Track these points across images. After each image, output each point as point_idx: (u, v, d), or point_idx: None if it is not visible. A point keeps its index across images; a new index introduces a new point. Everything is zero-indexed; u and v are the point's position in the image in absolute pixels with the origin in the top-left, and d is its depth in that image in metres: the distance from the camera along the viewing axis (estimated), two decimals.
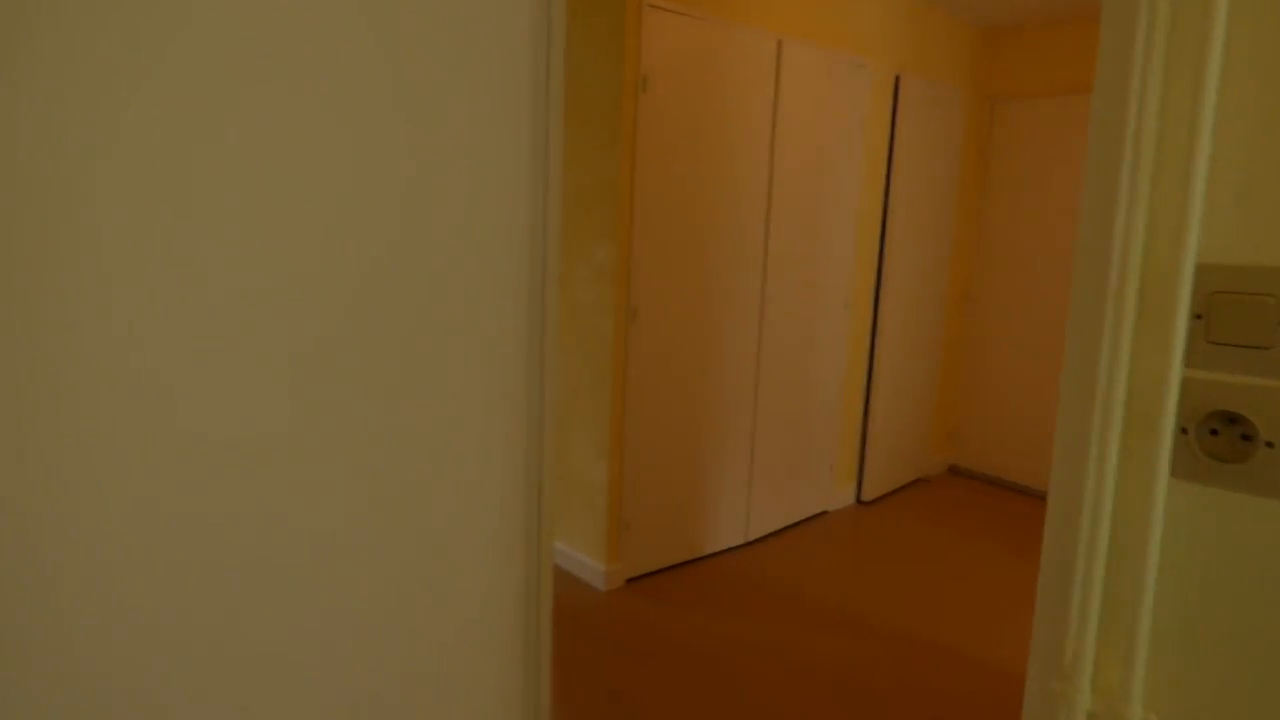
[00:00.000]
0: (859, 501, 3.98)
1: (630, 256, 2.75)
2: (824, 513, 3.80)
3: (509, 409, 1.24)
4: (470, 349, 1.18)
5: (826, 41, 3.34)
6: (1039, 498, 4.13)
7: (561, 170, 1.39)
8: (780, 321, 3.34)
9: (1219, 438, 0.79)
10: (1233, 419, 0.78)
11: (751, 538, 3.41)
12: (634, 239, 2.74)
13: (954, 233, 4.24)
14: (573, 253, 2.90)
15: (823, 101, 3.33)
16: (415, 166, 1.09)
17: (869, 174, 3.67)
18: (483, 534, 1.25)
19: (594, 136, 2.76)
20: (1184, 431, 0.81)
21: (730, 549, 3.34)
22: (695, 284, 2.96)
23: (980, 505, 4.01)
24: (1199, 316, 0.80)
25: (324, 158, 0.96)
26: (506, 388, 1.24)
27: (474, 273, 1.20)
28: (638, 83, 2.67)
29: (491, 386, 1.21)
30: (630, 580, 3.00)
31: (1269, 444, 0.76)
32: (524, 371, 1.27)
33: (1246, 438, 0.78)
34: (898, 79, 3.71)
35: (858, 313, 3.77)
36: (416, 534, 1.15)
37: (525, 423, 1.28)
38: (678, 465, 3.04)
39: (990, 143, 4.27)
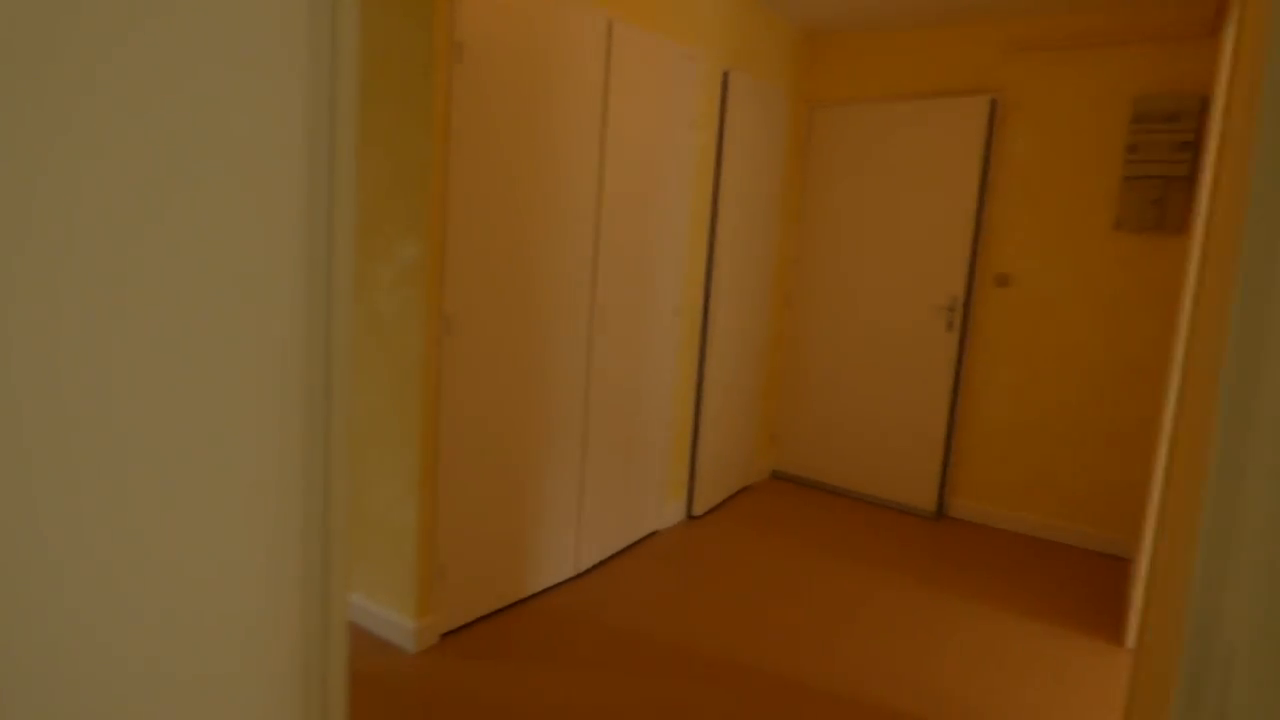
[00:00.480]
0: (690, 517, 3.80)
1: (443, 255, 2.32)
2: (655, 533, 3.58)
3: (281, 434, 1.05)
4: (227, 363, 0.97)
5: (658, 27, 3.09)
6: (853, 499, 4.19)
7: (353, 151, 1.03)
8: (612, 331, 3.05)
9: None
10: None
11: (582, 568, 3.09)
12: (448, 234, 2.31)
13: (777, 236, 4.19)
14: (374, 251, 2.42)
15: (654, 92, 3.08)
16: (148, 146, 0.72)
17: (699, 173, 3.48)
18: (243, 584, 1.01)
19: (399, 113, 2.30)
20: None
21: (560, 584, 3.00)
22: (520, 289, 2.59)
23: (803, 511, 3.98)
24: None
25: None
26: (279, 410, 1.05)
27: (230, 271, 0.95)
28: (451, 50, 2.25)
29: (261, 409, 1.02)
30: (446, 635, 2.57)
31: None
32: (303, 391, 1.08)
33: None
34: (726, 75, 3.56)
35: (688, 319, 3.58)
36: (145, 581, 0.89)
37: (303, 451, 1.09)
38: (501, 497, 2.65)
39: (810, 147, 4.27)
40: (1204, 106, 3.24)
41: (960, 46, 3.83)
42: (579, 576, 3.07)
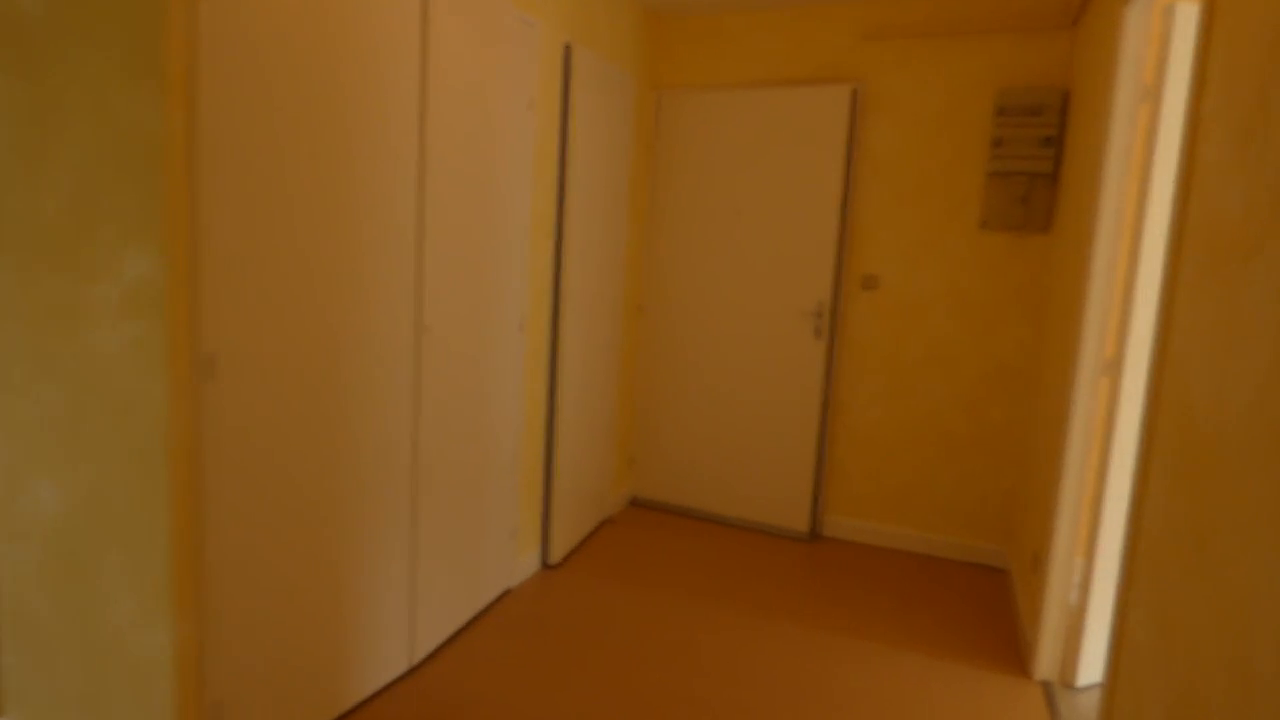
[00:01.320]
0: (546, 566, 3.24)
1: (194, 270, 1.61)
2: (508, 591, 2.99)
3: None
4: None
5: None
6: (721, 524, 3.82)
7: None
8: (444, 354, 2.43)
9: None
10: None
11: (419, 658, 2.45)
12: (201, 241, 1.60)
13: (627, 237, 3.72)
14: (85, 265, 1.65)
15: (486, 63, 2.48)
16: None
17: (541, 163, 2.92)
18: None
19: (110, 56, 1.56)
20: None
21: (392, 683, 2.35)
22: (317, 310, 1.91)
23: (668, 545, 3.55)
24: None
25: None
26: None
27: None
28: None
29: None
30: None
31: None
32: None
33: None
34: (569, 49, 3.02)
35: (535, 333, 3.02)
36: None
37: None
38: (302, 588, 1.97)
39: (659, 137, 3.83)
40: (1066, 100, 3.14)
41: (819, 32, 3.54)
42: (416, 669, 2.43)
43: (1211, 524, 1.20)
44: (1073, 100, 3.07)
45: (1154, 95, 2.20)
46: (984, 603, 3.10)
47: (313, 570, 1.99)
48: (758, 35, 3.64)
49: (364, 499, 2.14)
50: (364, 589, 2.18)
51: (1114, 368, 2.30)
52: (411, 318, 2.25)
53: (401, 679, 2.37)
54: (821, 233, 3.52)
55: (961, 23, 3.29)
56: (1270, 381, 1.05)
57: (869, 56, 3.47)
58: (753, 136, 3.62)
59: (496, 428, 2.78)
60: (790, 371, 3.63)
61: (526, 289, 2.88)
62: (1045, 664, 2.48)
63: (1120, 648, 1.58)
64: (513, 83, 2.65)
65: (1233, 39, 1.33)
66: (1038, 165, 3.19)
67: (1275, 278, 1.07)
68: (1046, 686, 2.45)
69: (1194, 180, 1.45)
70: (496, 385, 2.74)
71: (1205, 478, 1.24)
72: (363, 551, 2.16)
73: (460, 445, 2.56)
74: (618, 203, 3.54)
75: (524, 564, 3.08)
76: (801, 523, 3.66)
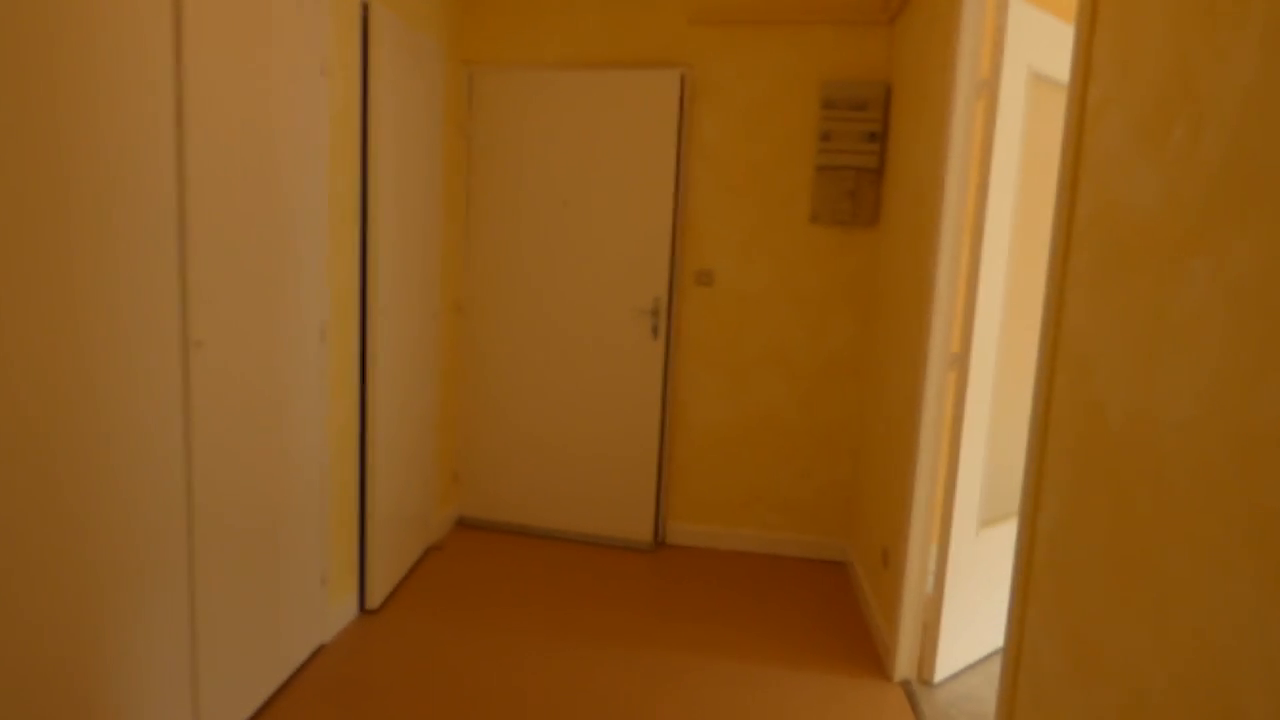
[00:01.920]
0: (364, 611, 2.79)
1: None
2: (320, 649, 2.52)
3: None
4: None
5: None
6: (559, 540, 3.55)
7: None
8: (222, 379, 1.94)
9: None
10: None
11: None
12: None
13: (442, 229, 3.32)
14: None
15: (261, 17, 2.01)
16: None
17: (340, 142, 2.47)
18: None
19: None
20: None
21: None
22: (33, 329, 1.39)
23: (503, 571, 3.23)
24: None
25: None
26: None
27: None
28: None
29: None
30: None
31: None
32: None
33: None
34: (366, 7, 2.58)
35: (340, 341, 2.56)
36: None
37: None
38: (36, 690, 1.44)
39: (472, 119, 3.46)
40: (888, 95, 3.18)
41: (645, 13, 3.34)
42: None
43: (1147, 542, 1.11)
44: (895, 95, 3.11)
45: (990, 88, 2.20)
46: (831, 600, 3.08)
47: (52, 676, 1.47)
48: (581, 12, 3.37)
49: (122, 565, 1.63)
50: (126, 685, 1.67)
51: (960, 362, 2.30)
52: (176, 332, 1.75)
53: None
54: (655, 226, 3.33)
55: (786, 11, 3.23)
56: (1219, 389, 0.96)
57: (697, 41, 3.32)
58: (579, 121, 3.35)
59: (297, 456, 2.30)
60: (628, 373, 3.42)
61: (327, 289, 2.42)
62: (904, 663, 2.46)
63: (1018, 668, 1.51)
64: (299, 42, 2.18)
65: (1126, 28, 1.26)
66: (864, 160, 3.20)
67: (1222, 280, 0.97)
68: (906, 686, 2.43)
69: (1082, 173, 1.38)
70: (295, 406, 2.27)
71: (1133, 489, 1.15)
72: (125, 630, 1.65)
73: (250, 482, 2.08)
74: (430, 189, 3.13)
75: (338, 613, 2.62)
76: (645, 532, 3.47)
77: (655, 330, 3.38)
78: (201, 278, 1.82)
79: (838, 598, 3.10)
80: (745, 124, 3.32)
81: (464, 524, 3.66)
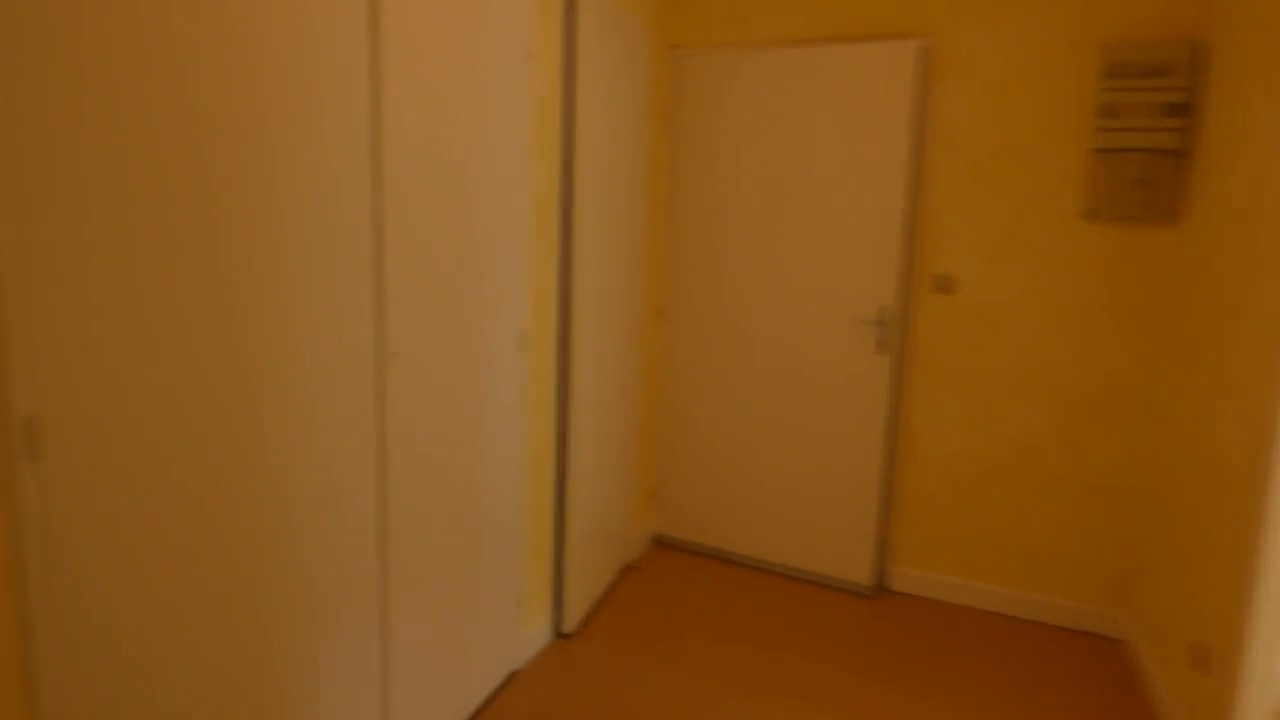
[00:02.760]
0: (559, 635, 2.64)
1: (3, 290, 1.00)
2: (513, 675, 2.39)
3: None
4: None
5: None
6: (765, 572, 3.21)
7: None
8: (418, 391, 1.82)
9: None
10: None
11: None
12: (1, 245, 1.00)
13: (645, 227, 3.11)
14: None
15: (463, 3, 1.87)
16: None
17: (542, 133, 2.31)
18: None
19: None
20: None
21: None
22: (202, 342, 1.31)
23: (704, 601, 2.95)
24: None
25: None
26: None
27: None
28: None
29: None
30: None
31: None
32: None
33: None
34: None
35: (540, 350, 2.41)
36: None
37: None
38: (227, 708, 1.37)
39: (680, 107, 3.22)
40: (1201, 56, 2.52)
41: None
42: None
43: None
44: (1217, 56, 2.45)
45: None
46: (1104, 692, 2.49)
47: (240, 688, 1.39)
48: None
49: (301, 590, 1.54)
50: (316, 700, 1.58)
51: None
52: (371, 342, 1.65)
53: None
54: (883, 224, 2.90)
55: None
56: None
57: (939, 5, 2.84)
58: (793, 106, 3.00)
59: (493, 469, 2.17)
60: (846, 391, 3.02)
61: (526, 296, 2.27)
62: None
63: None
64: (501, 23, 2.03)
65: None
66: (1160, 140, 2.56)
67: None
68: None
69: None
70: (491, 417, 2.14)
71: None
72: (318, 653, 1.56)
73: (445, 497, 1.96)
74: (634, 184, 2.93)
75: (533, 636, 2.48)
76: (862, 574, 3.05)
77: (881, 344, 2.95)
78: (398, 285, 1.70)
79: (1114, 690, 2.49)
80: (998, 102, 2.80)
81: (661, 543, 3.44)
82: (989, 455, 2.93)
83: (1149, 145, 2.58)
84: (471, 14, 1.88)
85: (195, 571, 1.30)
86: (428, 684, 1.96)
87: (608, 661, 2.48)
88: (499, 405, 2.17)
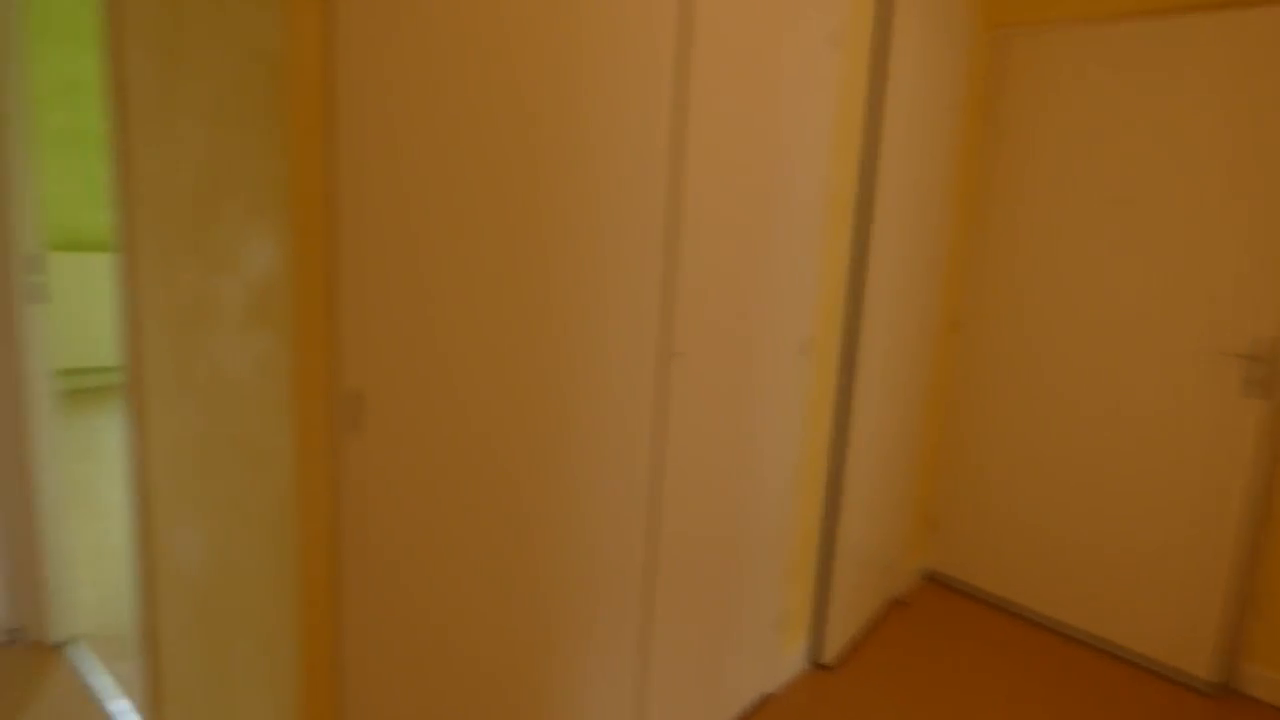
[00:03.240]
0: (816, 665, 2.46)
1: (334, 265, 1.07)
2: (765, 699, 2.26)
3: None
4: None
5: None
6: (1059, 635, 2.74)
7: None
8: (696, 392, 1.75)
9: None
10: None
11: None
12: (341, 220, 1.06)
13: (948, 228, 2.79)
14: (205, 248, 1.20)
15: None
16: None
17: (843, 124, 2.13)
18: None
19: None
20: None
21: None
22: (511, 333, 1.32)
23: (983, 654, 2.58)
24: None
25: None
26: None
27: None
28: None
29: None
30: None
31: None
32: None
33: None
34: None
35: (821, 361, 2.24)
36: None
37: None
38: (478, 703, 1.40)
39: (1001, 94, 2.83)
40: None
41: None
42: None
43: None
44: None
45: None
46: None
47: (494, 679, 1.42)
48: None
49: (573, 585, 1.53)
50: (578, 693, 1.58)
51: None
52: (655, 339, 1.60)
53: None
54: (1270, 237, 2.30)
55: None
56: None
57: None
58: (1147, 91, 2.48)
59: (765, 481, 2.05)
60: (1190, 438, 2.46)
61: (813, 299, 2.11)
62: None
63: None
64: (813, 6, 1.88)
65: None
66: None
67: None
68: None
69: None
70: (766, 425, 2.02)
71: None
72: (568, 656, 1.56)
73: (715, 505, 1.87)
74: (938, 183, 2.63)
75: (788, 662, 2.33)
76: (1199, 665, 2.48)
77: (1251, 385, 2.35)
78: (687, 280, 1.64)
79: None
80: None
81: (934, 579, 3.10)
82: None
83: None
84: None
85: (487, 547, 1.33)
86: (682, 693, 1.90)
87: (866, 701, 2.25)
88: (776, 412, 2.04)
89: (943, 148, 2.58)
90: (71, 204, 4.78)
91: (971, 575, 3.01)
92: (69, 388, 4.79)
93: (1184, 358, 2.47)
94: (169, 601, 1.51)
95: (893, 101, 2.20)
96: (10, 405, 2.09)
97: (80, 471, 3.48)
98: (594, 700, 1.64)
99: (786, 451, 2.12)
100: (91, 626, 2.32)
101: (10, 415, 2.09)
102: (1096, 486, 2.67)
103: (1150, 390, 2.54)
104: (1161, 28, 2.46)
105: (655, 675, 1.80)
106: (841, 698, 2.28)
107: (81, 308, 4.72)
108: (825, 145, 2.01)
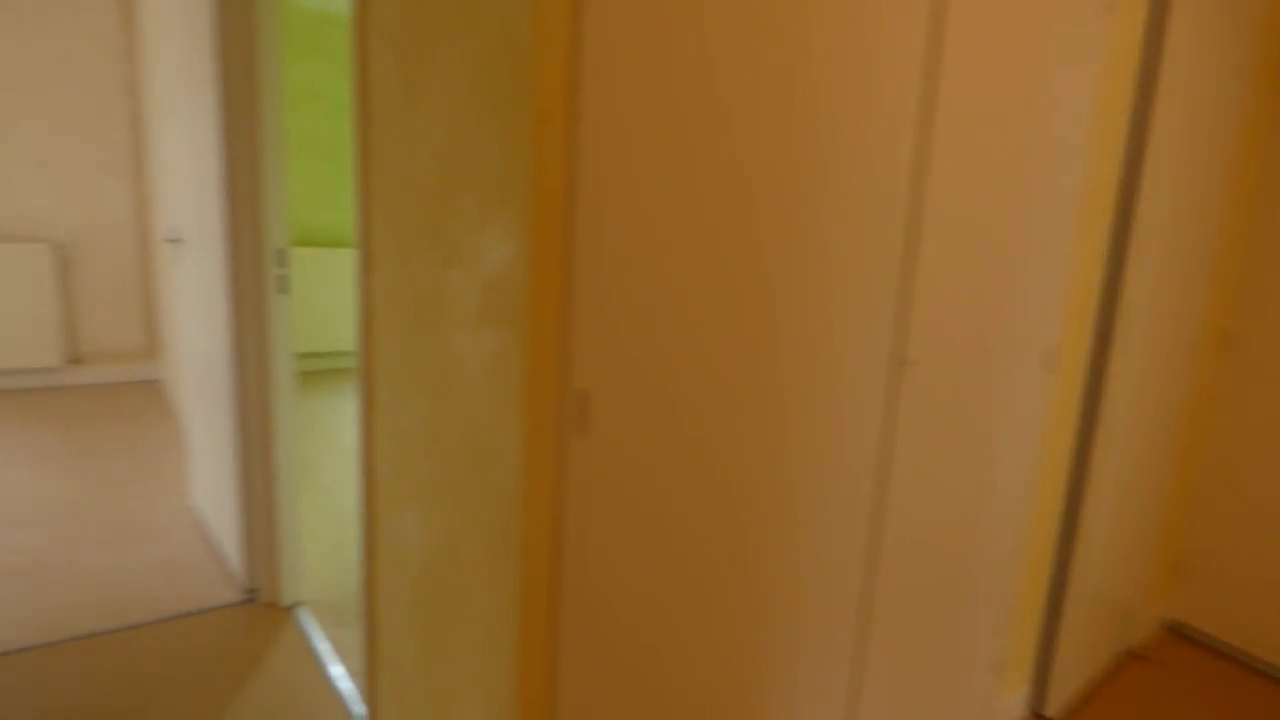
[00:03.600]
0: (1038, 717, 2.19)
1: (568, 261, 1.02)
2: None
3: None
4: None
5: None
6: None
7: None
8: (927, 406, 1.57)
9: None
10: None
11: None
12: (577, 217, 1.01)
13: (1220, 228, 2.38)
14: (440, 242, 1.20)
15: None
16: None
17: (1104, 112, 1.85)
18: None
19: None
20: None
21: None
22: (729, 334, 1.23)
23: None
24: None
25: None
26: None
27: None
28: None
29: None
30: None
31: None
32: None
33: None
34: None
35: (1065, 377, 1.97)
36: None
37: None
38: (689, 708, 1.33)
39: None
40: None
41: None
42: None
43: None
44: None
45: None
46: None
47: (692, 707, 1.34)
48: None
49: (784, 610, 1.42)
50: None
51: None
52: (887, 345, 1.45)
53: None
54: None
55: None
56: None
57: None
58: None
59: (993, 507, 1.83)
60: None
61: (1059, 304, 1.85)
62: None
63: None
64: None
65: None
66: None
67: None
68: None
69: None
70: (998, 445, 1.79)
71: None
72: (776, 686, 1.45)
73: (939, 531, 1.69)
74: (1211, 169, 2.24)
75: (1006, 709, 2.08)
76: None
77: None
78: (925, 280, 1.47)
79: None
80: None
81: (1179, 632, 2.68)
82: None
83: None
84: None
85: (700, 561, 1.26)
86: None
87: None
88: (1011, 430, 1.81)
89: (1224, 127, 2.20)
90: (301, 203, 5.29)
91: (1228, 632, 2.56)
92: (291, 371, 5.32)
93: None
94: (388, 579, 1.56)
95: (1169, 70, 1.88)
96: (259, 386, 2.29)
97: (302, 448, 3.83)
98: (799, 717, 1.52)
99: (1019, 475, 1.88)
100: (313, 592, 2.51)
101: (259, 395, 2.30)
102: None
103: None
104: None
105: (867, 704, 1.65)
106: None
107: (302, 297, 5.22)
108: (1086, 125, 1.76)
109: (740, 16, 1.09)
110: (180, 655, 2.10)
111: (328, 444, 3.89)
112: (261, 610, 2.37)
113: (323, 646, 2.21)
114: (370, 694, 1.68)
